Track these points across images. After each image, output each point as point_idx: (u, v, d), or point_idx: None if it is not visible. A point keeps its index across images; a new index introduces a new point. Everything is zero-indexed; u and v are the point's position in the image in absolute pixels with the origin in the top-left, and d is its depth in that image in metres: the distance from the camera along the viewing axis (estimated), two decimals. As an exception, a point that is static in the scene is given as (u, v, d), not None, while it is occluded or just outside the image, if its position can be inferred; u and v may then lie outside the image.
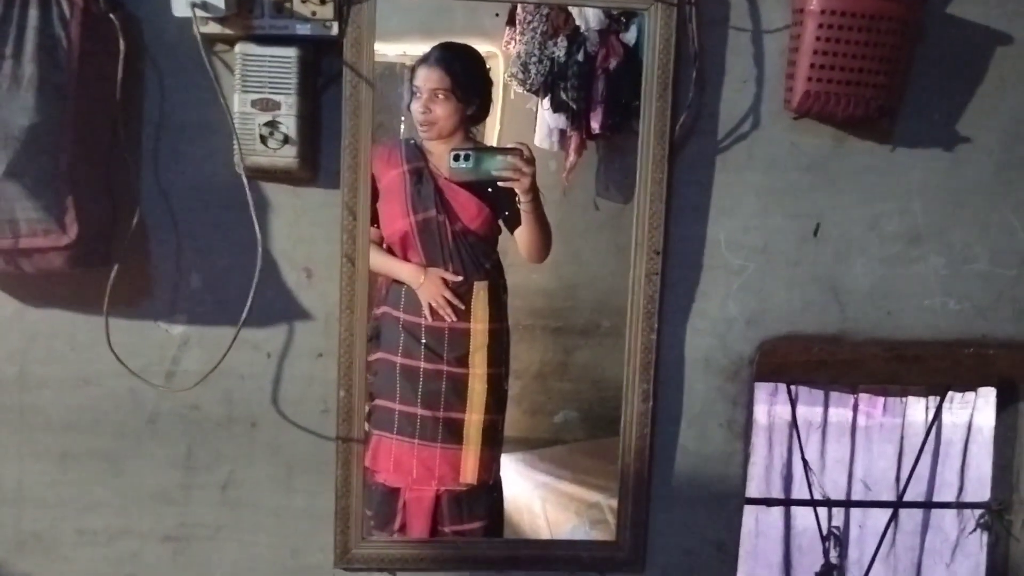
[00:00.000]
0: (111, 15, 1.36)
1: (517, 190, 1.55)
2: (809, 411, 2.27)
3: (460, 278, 1.62)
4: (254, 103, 1.41)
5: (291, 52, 1.40)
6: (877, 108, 1.49)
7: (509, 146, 1.56)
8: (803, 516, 2.27)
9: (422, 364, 1.63)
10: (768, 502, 2.21)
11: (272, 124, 1.41)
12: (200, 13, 1.33)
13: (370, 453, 1.61)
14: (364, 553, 1.58)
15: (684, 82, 1.50)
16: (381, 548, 1.59)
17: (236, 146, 1.41)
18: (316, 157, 1.49)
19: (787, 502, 2.25)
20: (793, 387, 2.02)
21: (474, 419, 1.65)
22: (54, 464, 1.55)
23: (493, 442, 1.68)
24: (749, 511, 1.81)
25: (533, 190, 1.55)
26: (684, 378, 1.60)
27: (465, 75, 1.61)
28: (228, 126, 1.42)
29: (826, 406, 2.28)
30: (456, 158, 1.54)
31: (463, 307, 1.62)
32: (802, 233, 1.59)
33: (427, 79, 1.59)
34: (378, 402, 1.64)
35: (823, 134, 1.56)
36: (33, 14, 1.30)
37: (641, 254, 1.52)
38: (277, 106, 1.41)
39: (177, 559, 1.59)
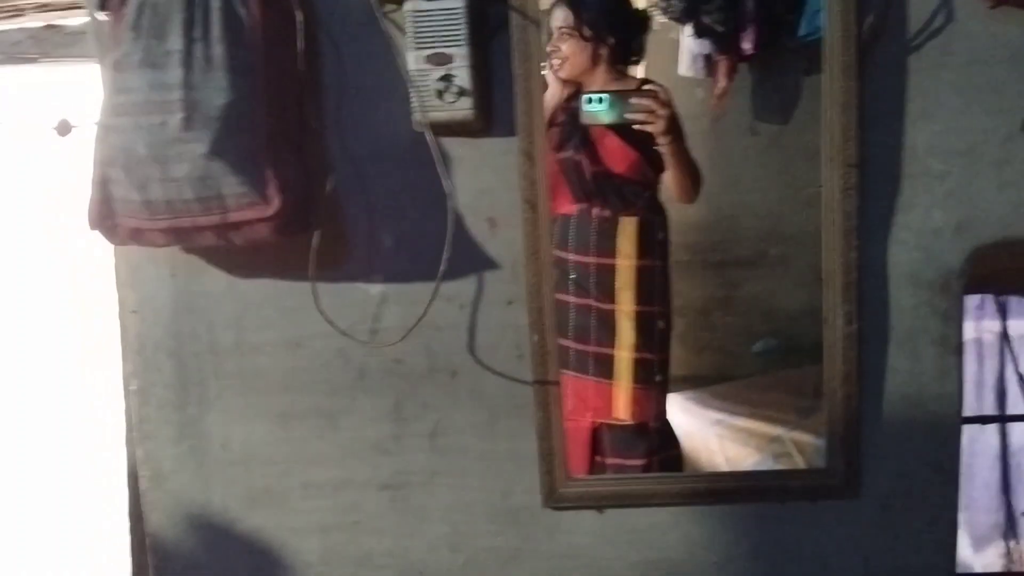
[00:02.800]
0: (286, -12, 1.40)
1: (653, 132, 1.52)
2: (1021, 323, 2.12)
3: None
4: (428, 59, 1.42)
5: (459, 2, 1.40)
6: (1088, -15, 1.36)
7: (645, 88, 1.54)
8: (1021, 433, 2.15)
9: (571, 298, 1.62)
10: (982, 420, 2.10)
11: (447, 78, 1.42)
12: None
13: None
14: (571, 492, 1.60)
15: (866, -20, 1.41)
16: (587, 486, 1.61)
17: (415, 103, 1.44)
18: (490, 106, 1.50)
19: (1003, 419, 2.13)
20: (1002, 297, 1.90)
21: (624, 356, 1.64)
22: (276, 423, 1.65)
23: (647, 381, 1.66)
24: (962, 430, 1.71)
25: (671, 132, 1.52)
26: (889, 296, 1.52)
27: (593, 12, 1.58)
28: (401, 86, 1.45)
29: (1040, 316, 2.13)
30: (588, 100, 1.51)
31: None
32: (1008, 130, 1.47)
33: (555, 18, 1.58)
34: None
35: (1025, 20, 1.43)
36: (215, -5, 1.36)
37: (834, 169, 1.44)
38: (450, 59, 1.42)
39: (396, 506, 1.66)
